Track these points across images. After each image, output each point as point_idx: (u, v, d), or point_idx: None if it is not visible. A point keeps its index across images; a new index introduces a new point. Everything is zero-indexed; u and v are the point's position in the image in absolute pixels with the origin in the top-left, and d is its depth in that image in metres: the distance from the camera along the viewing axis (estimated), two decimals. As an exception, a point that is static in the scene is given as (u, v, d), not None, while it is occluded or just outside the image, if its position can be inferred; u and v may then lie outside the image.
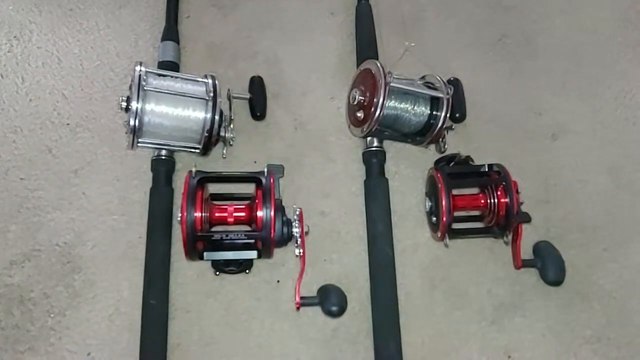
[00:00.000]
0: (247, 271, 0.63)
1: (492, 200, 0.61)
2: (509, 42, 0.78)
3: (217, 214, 0.60)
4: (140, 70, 0.58)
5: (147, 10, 0.80)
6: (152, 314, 0.61)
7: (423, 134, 0.64)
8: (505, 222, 0.60)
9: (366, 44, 0.74)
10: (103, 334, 0.62)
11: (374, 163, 0.67)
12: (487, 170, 0.62)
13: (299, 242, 0.58)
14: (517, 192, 0.60)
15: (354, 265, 0.65)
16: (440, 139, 0.65)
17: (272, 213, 0.56)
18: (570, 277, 0.64)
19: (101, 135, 0.72)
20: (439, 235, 0.60)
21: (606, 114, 0.74)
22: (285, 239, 0.58)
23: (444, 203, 0.57)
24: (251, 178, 0.61)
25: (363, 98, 0.63)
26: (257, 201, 0.57)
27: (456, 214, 0.60)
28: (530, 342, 0.62)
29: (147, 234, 0.64)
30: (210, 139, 0.62)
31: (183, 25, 0.79)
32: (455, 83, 0.69)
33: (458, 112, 0.69)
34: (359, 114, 0.62)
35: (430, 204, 0.63)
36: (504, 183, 0.60)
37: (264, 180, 0.58)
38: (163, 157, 0.67)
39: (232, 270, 0.61)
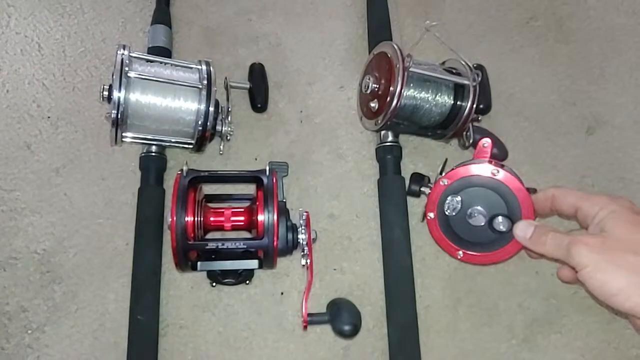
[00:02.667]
0: (247, 282, 0.56)
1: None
2: (537, 25, 0.70)
3: (212, 219, 0.53)
4: (123, 54, 0.51)
5: (136, -9, 0.72)
6: (141, 330, 0.54)
7: (445, 126, 0.57)
8: None
9: (379, 27, 0.66)
10: (86, 352, 0.55)
11: (388, 160, 0.60)
12: None
13: (305, 251, 0.51)
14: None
15: (368, 276, 0.58)
16: (465, 133, 0.57)
17: (275, 217, 0.49)
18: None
19: (85, 130, 0.65)
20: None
21: (648, 104, 0.66)
22: (290, 247, 0.51)
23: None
24: (250, 178, 0.54)
25: (377, 86, 0.55)
26: (257, 204, 0.50)
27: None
28: (567, 363, 0.55)
29: (135, 240, 0.58)
30: (205, 133, 0.54)
31: (176, 7, 0.71)
32: (478, 70, 0.61)
33: (482, 103, 0.61)
34: (372, 104, 0.55)
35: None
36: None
37: (265, 180, 0.50)
38: (153, 154, 0.59)
39: (230, 281, 0.54)
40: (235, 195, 0.57)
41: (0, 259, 0.59)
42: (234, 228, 0.54)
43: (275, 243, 0.49)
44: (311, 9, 0.71)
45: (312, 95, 0.66)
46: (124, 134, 0.53)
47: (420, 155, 0.63)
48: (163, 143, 0.57)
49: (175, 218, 0.47)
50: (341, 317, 0.49)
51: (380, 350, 0.56)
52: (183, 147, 0.58)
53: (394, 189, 0.58)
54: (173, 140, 0.56)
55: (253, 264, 0.52)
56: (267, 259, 0.51)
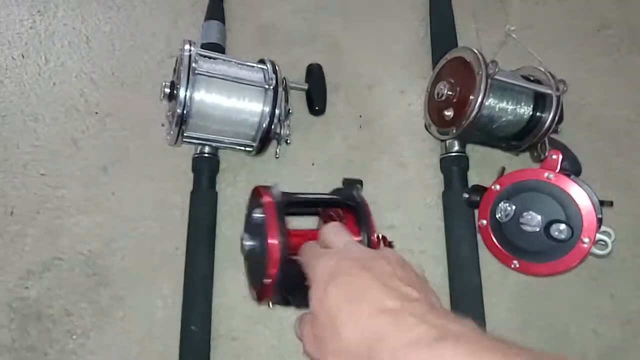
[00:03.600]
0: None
1: None
2: (609, 34, 0.66)
3: (294, 240, 0.40)
4: (191, 50, 0.48)
5: (188, -15, 0.70)
6: (193, 341, 0.52)
7: (520, 138, 0.54)
8: None
9: (444, 31, 0.63)
10: (133, 361, 0.53)
11: (454, 171, 0.56)
12: None
13: None
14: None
15: (431, 292, 0.55)
16: (540, 145, 0.54)
17: (375, 240, 0.40)
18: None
19: (133, 127, 0.62)
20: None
21: None
22: None
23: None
24: (342, 204, 0.44)
25: (453, 93, 0.52)
26: (348, 224, 0.42)
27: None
28: (644, 395, 0.51)
29: (187, 244, 0.55)
30: (269, 136, 0.52)
31: (230, 4, 0.68)
32: (557, 81, 0.58)
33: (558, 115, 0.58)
34: (447, 113, 0.52)
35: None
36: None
37: (360, 208, 0.42)
38: (206, 155, 0.57)
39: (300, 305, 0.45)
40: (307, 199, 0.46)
41: (45, 259, 0.57)
42: None
43: None
44: (370, 9, 0.68)
45: (371, 99, 0.64)
46: (185, 134, 0.51)
47: (486, 166, 0.60)
48: (223, 145, 0.54)
49: (277, 239, 0.37)
50: None
51: (442, 372, 0.53)
52: (243, 150, 0.55)
53: (461, 202, 0.55)
54: (233, 141, 0.53)
55: None
56: None
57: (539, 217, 0.46)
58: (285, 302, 0.40)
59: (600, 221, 0.46)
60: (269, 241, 0.37)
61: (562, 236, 0.45)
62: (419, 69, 0.64)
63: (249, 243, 0.40)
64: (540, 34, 0.67)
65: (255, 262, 0.40)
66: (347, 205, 0.43)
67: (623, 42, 0.66)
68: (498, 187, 0.50)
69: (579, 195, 0.45)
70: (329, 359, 0.27)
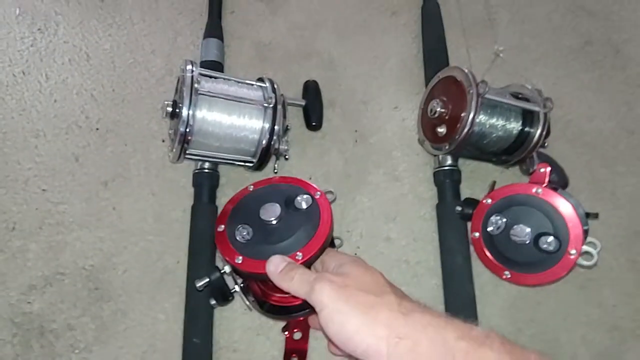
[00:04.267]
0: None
1: None
2: (593, 50, 0.69)
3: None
4: (193, 70, 0.50)
5: (187, 4, 0.71)
6: (194, 353, 0.53)
7: (510, 152, 0.56)
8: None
9: (435, 48, 0.66)
10: (135, 375, 0.54)
11: (447, 184, 0.59)
12: None
13: None
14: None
15: (427, 302, 0.56)
16: (528, 159, 0.56)
17: None
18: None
19: (135, 143, 0.64)
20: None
21: None
22: None
23: None
24: None
25: (445, 110, 0.54)
26: None
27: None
28: (633, 400, 0.53)
29: (188, 258, 0.56)
30: (268, 152, 0.53)
31: (227, 22, 0.70)
32: (544, 98, 0.61)
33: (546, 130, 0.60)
34: (440, 129, 0.54)
35: None
36: None
37: None
38: (207, 170, 0.58)
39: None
40: None
41: (47, 273, 0.58)
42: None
43: None
44: (364, 27, 0.71)
45: (366, 114, 0.66)
46: (187, 152, 0.52)
47: (477, 179, 0.62)
48: (224, 161, 0.55)
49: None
50: None
51: (438, 380, 0.54)
52: (242, 166, 0.56)
53: (454, 214, 0.57)
54: (233, 158, 0.55)
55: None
56: None
57: (528, 230, 0.48)
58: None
59: (586, 233, 0.48)
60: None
61: (551, 248, 0.47)
62: (412, 85, 0.66)
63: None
64: (528, 51, 0.69)
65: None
66: None
67: (606, 58, 0.69)
68: (490, 200, 0.52)
69: (566, 209, 0.48)
70: (355, 307, 0.35)
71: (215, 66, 0.64)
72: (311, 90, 0.64)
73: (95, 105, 0.66)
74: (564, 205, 0.48)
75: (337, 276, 0.37)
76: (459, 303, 0.54)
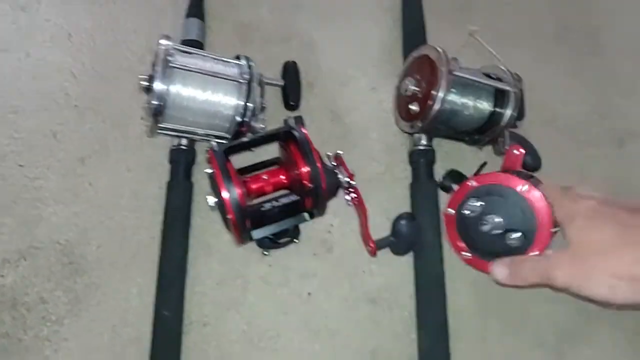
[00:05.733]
0: (296, 240, 0.57)
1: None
2: (570, 36, 0.70)
3: (254, 186, 0.54)
4: (167, 44, 0.50)
5: (169, -16, 0.72)
6: (165, 326, 0.53)
7: (482, 132, 0.57)
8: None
9: (414, 31, 0.66)
10: (106, 347, 0.54)
11: (422, 164, 0.59)
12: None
13: (351, 186, 0.54)
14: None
15: (397, 279, 0.57)
16: (500, 139, 0.57)
17: (319, 165, 0.50)
18: (642, 302, 0.56)
19: (113, 120, 0.64)
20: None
21: (680, 119, 0.66)
22: (336, 187, 0.54)
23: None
24: (281, 135, 0.54)
25: (418, 89, 0.55)
26: (295, 157, 0.51)
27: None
28: (598, 377, 0.54)
29: (162, 234, 0.57)
30: (242, 129, 0.54)
31: (209, 2, 0.71)
32: (515, 79, 0.61)
33: (517, 110, 0.61)
34: (412, 107, 0.54)
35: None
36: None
37: (297, 134, 0.51)
38: (183, 147, 0.59)
39: (287, 241, 0.55)
40: (260, 163, 0.58)
41: (21, 248, 0.58)
42: (276, 188, 0.55)
43: (324, 187, 0.50)
44: (345, 9, 0.71)
45: (344, 95, 0.66)
46: (160, 125, 0.52)
47: (452, 159, 0.62)
48: (197, 137, 0.56)
49: (227, 192, 0.47)
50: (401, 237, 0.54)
51: (407, 356, 0.55)
52: (217, 142, 0.57)
53: (427, 193, 0.58)
54: (208, 133, 0.55)
55: (304, 217, 0.54)
56: (318, 205, 0.53)
57: (499, 221, 0.48)
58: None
59: (552, 235, 0.48)
60: (222, 195, 0.46)
61: (515, 244, 0.48)
62: (391, 68, 0.67)
63: (212, 201, 0.49)
64: (506, 35, 0.70)
65: (223, 211, 0.49)
66: (286, 135, 0.52)
67: (583, 44, 0.70)
68: (474, 183, 0.51)
69: (541, 212, 0.47)
70: (596, 276, 0.34)
71: (195, 45, 0.64)
72: (290, 71, 0.65)
73: (75, 83, 0.66)
74: (540, 208, 0.47)
75: (563, 255, 0.37)
76: (428, 279, 0.55)
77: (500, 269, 0.42)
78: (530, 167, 0.57)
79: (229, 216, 0.47)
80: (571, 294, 0.37)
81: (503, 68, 0.55)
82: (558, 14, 0.71)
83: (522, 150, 0.52)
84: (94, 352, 0.54)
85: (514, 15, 0.71)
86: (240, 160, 0.59)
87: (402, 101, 0.58)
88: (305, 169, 0.50)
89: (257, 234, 0.52)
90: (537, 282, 0.39)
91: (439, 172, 0.61)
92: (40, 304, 0.56)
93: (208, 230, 0.59)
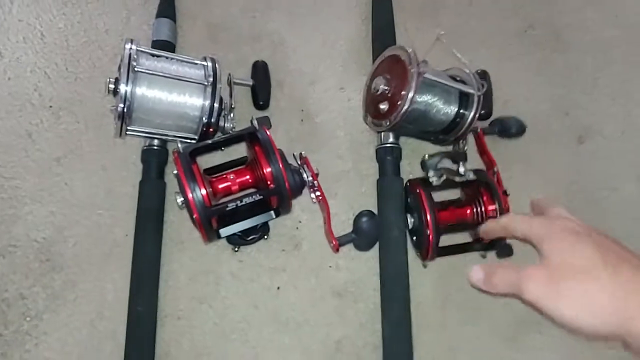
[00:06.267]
0: (266, 237, 0.59)
1: (479, 209, 0.56)
2: (535, 34, 0.71)
3: (220, 186, 0.56)
4: (131, 48, 0.51)
5: (140, -17, 0.72)
6: (139, 320, 0.56)
7: (447, 132, 0.58)
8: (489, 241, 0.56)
9: (384, 30, 0.67)
10: (84, 340, 0.57)
11: (388, 161, 0.61)
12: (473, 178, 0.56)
13: (315, 185, 0.56)
14: (506, 196, 0.56)
15: (362, 273, 0.60)
16: (462, 139, 0.59)
17: (281, 165, 0.52)
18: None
19: (87, 120, 0.65)
20: (425, 256, 0.56)
21: (638, 116, 0.68)
22: (300, 186, 0.55)
23: (429, 220, 0.54)
24: (245, 137, 0.56)
25: (388, 88, 0.56)
26: (259, 158, 0.53)
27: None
28: (550, 362, 0.57)
29: (135, 231, 0.58)
30: (209, 129, 0.55)
31: (181, 2, 0.71)
32: (482, 76, 0.63)
33: (485, 109, 0.62)
34: (382, 106, 0.56)
35: (412, 220, 0.58)
36: (490, 191, 0.56)
37: (260, 135, 0.53)
38: (155, 147, 0.60)
39: (255, 238, 0.57)
40: (227, 163, 0.60)
41: None
42: (242, 188, 0.57)
43: (287, 186, 0.52)
44: (315, 9, 0.72)
45: (313, 95, 0.68)
46: (128, 127, 0.54)
47: (418, 157, 0.64)
48: (166, 137, 0.57)
49: (190, 192, 0.49)
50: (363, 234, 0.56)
51: (372, 345, 0.58)
52: (185, 142, 0.58)
53: (393, 189, 0.60)
54: (177, 134, 0.57)
55: (270, 215, 0.56)
56: (283, 204, 0.55)
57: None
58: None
59: None
60: (186, 195, 0.49)
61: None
62: (360, 67, 0.68)
63: (180, 200, 0.51)
64: (474, 33, 0.71)
65: (190, 211, 0.51)
66: (250, 136, 0.55)
67: (547, 42, 0.71)
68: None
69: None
70: (569, 299, 0.33)
71: (166, 46, 0.65)
72: (259, 71, 0.66)
73: (49, 83, 0.67)
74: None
75: (538, 269, 0.35)
76: (393, 272, 0.57)
77: (476, 272, 0.39)
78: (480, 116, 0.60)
79: (194, 216, 0.49)
80: (537, 309, 0.35)
81: (468, 71, 0.57)
82: (524, 13, 0.72)
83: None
84: (72, 346, 0.57)
85: (482, 12, 0.72)
86: (212, 159, 0.62)
87: (371, 99, 0.59)
88: (268, 170, 0.52)
89: (225, 232, 0.54)
90: (507, 291, 0.37)
91: (404, 169, 0.63)
92: (19, 299, 0.58)
93: (181, 227, 0.61)
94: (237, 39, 0.70)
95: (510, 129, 0.63)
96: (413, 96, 0.53)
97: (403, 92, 0.54)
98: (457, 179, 0.55)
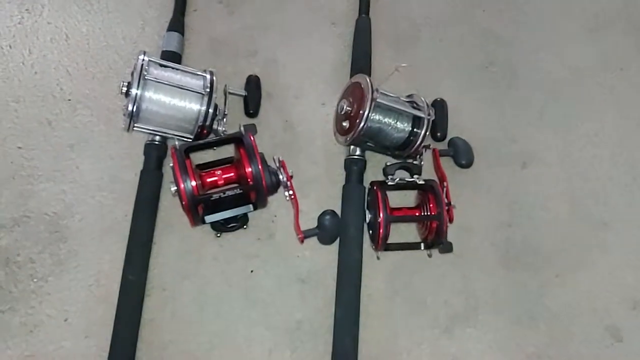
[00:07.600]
0: (245, 227, 0.68)
1: (425, 212, 0.67)
2: (494, 70, 0.82)
3: (208, 180, 0.66)
4: (144, 59, 0.62)
5: (156, -1, 0.83)
6: (130, 288, 0.65)
7: (402, 148, 0.69)
8: (433, 239, 0.66)
9: (361, 57, 0.78)
10: (81, 302, 0.66)
11: (354, 170, 0.71)
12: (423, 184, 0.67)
13: (288, 185, 0.65)
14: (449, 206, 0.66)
15: (324, 264, 0.70)
16: (418, 156, 0.69)
17: (260, 167, 0.62)
18: (522, 296, 0.69)
19: (99, 114, 0.75)
20: (377, 246, 0.66)
21: (576, 148, 0.78)
22: (275, 186, 0.65)
23: (381, 215, 0.64)
24: (233, 140, 0.66)
25: (350, 109, 0.67)
26: (242, 159, 0.63)
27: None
28: (477, 352, 0.67)
29: (133, 212, 0.68)
30: (203, 131, 0.66)
31: (189, 18, 0.82)
32: (440, 104, 0.74)
33: (440, 132, 0.73)
34: (344, 124, 0.66)
35: (370, 215, 0.68)
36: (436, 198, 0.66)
37: (244, 140, 0.63)
38: (156, 142, 0.70)
39: (234, 226, 0.67)
40: (217, 160, 0.69)
41: (16, 216, 0.70)
42: (227, 183, 0.67)
43: (264, 184, 0.62)
44: (306, 33, 0.83)
45: (297, 107, 0.78)
46: (135, 124, 0.64)
47: (381, 169, 0.74)
48: (166, 135, 0.67)
49: (182, 182, 0.59)
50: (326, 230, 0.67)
51: (326, 327, 0.67)
52: (182, 140, 0.68)
53: (355, 195, 0.70)
54: (175, 133, 0.67)
55: (249, 207, 0.66)
56: (260, 199, 0.65)
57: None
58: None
59: None
60: (180, 185, 0.59)
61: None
62: (340, 86, 0.78)
63: (173, 189, 0.61)
64: (441, 65, 0.82)
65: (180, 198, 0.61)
66: (237, 140, 0.65)
67: (504, 78, 0.81)
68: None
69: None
70: None
71: (174, 56, 0.76)
72: (252, 83, 0.76)
73: (70, 80, 0.77)
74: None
75: None
76: (348, 266, 0.67)
77: None
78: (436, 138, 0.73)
79: (184, 202, 0.59)
80: None
81: (423, 98, 0.67)
82: (486, 52, 0.83)
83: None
84: (72, 305, 0.66)
85: (449, 48, 0.83)
86: (204, 156, 0.71)
87: (338, 118, 0.70)
88: (249, 169, 0.62)
89: (209, 218, 0.64)
90: None
91: (369, 177, 0.73)
92: (29, 263, 0.68)
93: (172, 212, 0.71)
94: (235, 54, 0.80)
95: (461, 160, 0.73)
96: (367, 116, 0.64)
97: (361, 112, 0.64)
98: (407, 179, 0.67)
